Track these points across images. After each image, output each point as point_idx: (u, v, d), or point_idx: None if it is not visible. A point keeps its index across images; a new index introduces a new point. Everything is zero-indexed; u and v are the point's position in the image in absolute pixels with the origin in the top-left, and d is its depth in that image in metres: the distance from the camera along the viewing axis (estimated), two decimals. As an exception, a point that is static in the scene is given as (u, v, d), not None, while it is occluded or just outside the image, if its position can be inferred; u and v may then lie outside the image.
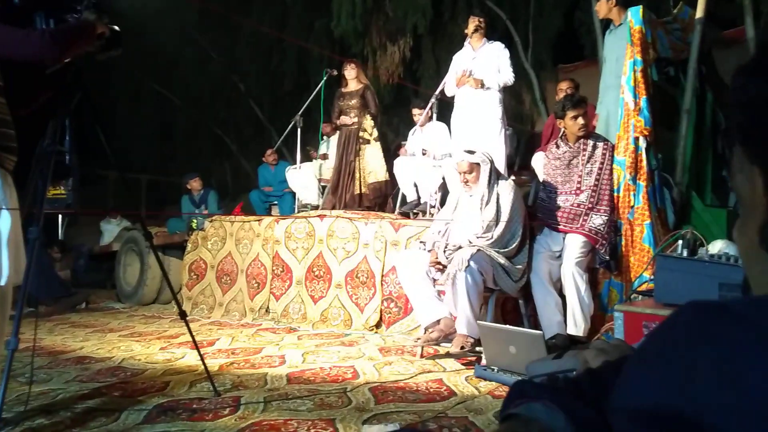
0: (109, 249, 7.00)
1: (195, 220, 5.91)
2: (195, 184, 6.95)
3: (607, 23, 4.17)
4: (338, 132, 5.67)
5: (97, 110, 2.35)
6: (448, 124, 4.76)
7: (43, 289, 5.15)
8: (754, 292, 0.46)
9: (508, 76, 4.28)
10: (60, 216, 6.92)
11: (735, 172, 0.46)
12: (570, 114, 3.40)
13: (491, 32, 4.56)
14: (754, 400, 0.33)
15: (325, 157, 6.09)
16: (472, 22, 4.37)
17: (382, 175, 5.39)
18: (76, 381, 2.75)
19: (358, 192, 5.34)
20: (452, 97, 4.55)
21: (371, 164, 5.40)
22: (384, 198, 5.48)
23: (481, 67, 4.33)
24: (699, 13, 3.83)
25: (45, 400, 2.42)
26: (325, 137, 6.27)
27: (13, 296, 2.01)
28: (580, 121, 3.40)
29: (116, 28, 2.22)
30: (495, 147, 4.21)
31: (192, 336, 2.55)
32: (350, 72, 5.41)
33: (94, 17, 2.11)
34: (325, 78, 5.77)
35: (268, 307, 4.86)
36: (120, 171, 2.61)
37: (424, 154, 4.99)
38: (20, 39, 1.87)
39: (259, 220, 5.28)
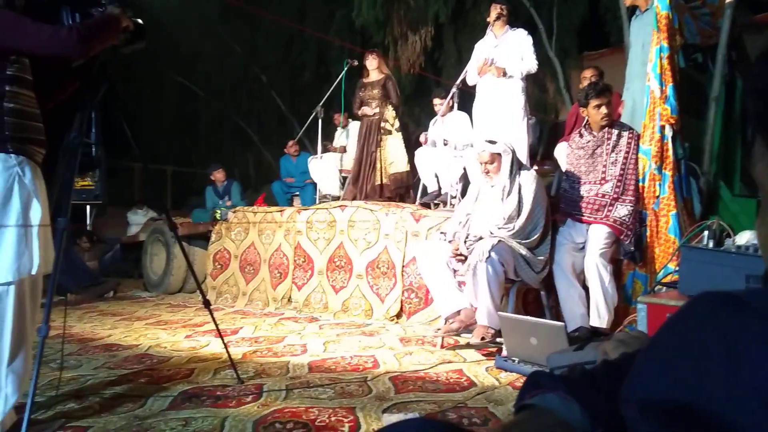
0: (135, 239, 7.14)
1: (219, 211, 5.99)
2: (219, 175, 7.04)
3: (633, 9, 4.08)
4: (358, 122, 5.68)
5: (123, 103, 2.38)
6: (470, 114, 4.72)
7: (69, 278, 5.31)
8: None
9: (531, 64, 4.21)
10: (88, 206, 7.07)
11: (756, 161, 0.45)
12: (593, 103, 3.34)
13: (514, 20, 4.48)
14: (767, 393, 0.32)
15: (343, 149, 6.11)
16: (494, 10, 4.31)
17: (403, 166, 5.39)
18: (104, 367, 2.83)
19: (378, 182, 5.34)
20: (474, 87, 4.50)
21: (392, 154, 5.39)
22: (405, 188, 5.48)
23: (503, 55, 4.27)
24: (729, -4, 3.71)
25: (75, 385, 2.49)
26: (339, 128, 6.29)
27: (42, 285, 2.06)
28: (603, 110, 3.34)
29: (140, 21, 2.25)
30: (517, 136, 4.16)
31: (216, 324, 2.60)
32: (371, 62, 5.40)
33: (118, 11, 2.14)
34: (345, 68, 5.77)
35: (290, 296, 4.92)
36: (145, 163, 2.65)
37: (445, 144, 4.97)
38: (49, 35, 1.90)
39: (281, 211, 5.33)
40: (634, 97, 3.76)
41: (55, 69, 2.16)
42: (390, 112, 5.38)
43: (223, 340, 2.60)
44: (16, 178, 1.91)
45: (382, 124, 5.34)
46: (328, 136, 6.68)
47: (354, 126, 6.10)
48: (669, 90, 3.34)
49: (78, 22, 2.05)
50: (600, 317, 3.21)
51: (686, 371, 0.37)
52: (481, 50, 4.40)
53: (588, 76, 4.61)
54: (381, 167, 5.35)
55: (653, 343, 0.41)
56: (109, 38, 2.12)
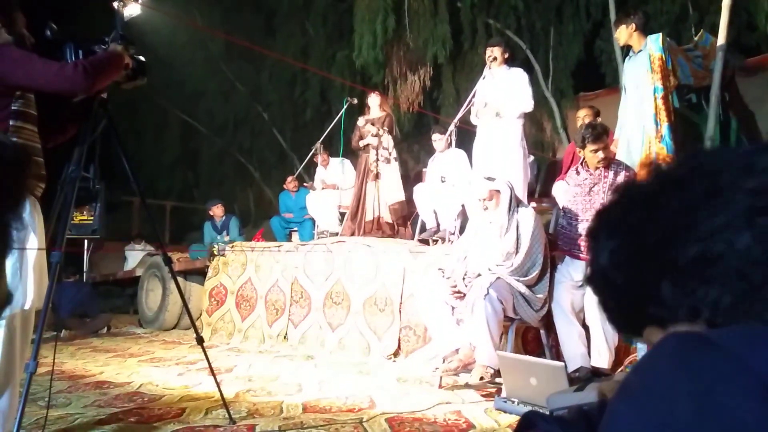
0: (132, 274, 7.10)
1: (216, 246, 5.98)
2: (217, 211, 7.06)
3: (627, 50, 4.17)
4: (338, 158, 5.84)
5: (124, 138, 2.40)
6: (467, 152, 4.76)
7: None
8: None
9: (525, 104, 4.26)
10: (85, 241, 7.06)
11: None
12: (590, 147, 3.37)
13: (511, 60, 4.54)
14: None
15: (333, 186, 6.14)
16: (489, 52, 4.39)
17: (399, 195, 5.40)
18: (94, 406, 2.76)
19: (376, 215, 5.34)
20: (474, 125, 4.56)
21: (389, 185, 5.40)
22: (403, 219, 5.46)
23: (498, 94, 4.33)
24: (720, 40, 3.80)
25: (63, 424, 2.43)
26: (321, 167, 6.32)
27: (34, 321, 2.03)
28: (600, 154, 3.36)
29: (141, 58, 2.29)
30: (515, 174, 4.18)
31: (209, 362, 2.54)
32: (374, 99, 5.53)
33: (120, 48, 2.18)
34: (345, 106, 5.86)
35: (286, 333, 4.85)
36: (142, 197, 2.65)
37: (443, 181, 4.99)
38: (55, 71, 1.94)
39: (279, 246, 5.31)
40: (628, 137, 3.79)
41: (57, 111, 2.19)
42: (389, 140, 5.43)
43: (215, 378, 2.54)
44: None
45: (380, 151, 5.38)
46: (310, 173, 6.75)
47: (335, 163, 6.17)
48: (664, 129, 3.38)
49: (83, 59, 2.09)
50: (601, 357, 3.15)
51: (656, 413, 0.37)
52: (480, 90, 4.46)
53: (582, 116, 4.67)
54: (378, 198, 5.35)
55: (624, 386, 0.41)
56: (113, 74, 2.16)
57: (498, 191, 3.33)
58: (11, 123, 1.93)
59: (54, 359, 2.30)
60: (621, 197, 0.55)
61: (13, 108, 1.94)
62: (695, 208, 0.47)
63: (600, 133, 3.38)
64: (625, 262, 0.51)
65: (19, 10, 2.07)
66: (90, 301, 6.45)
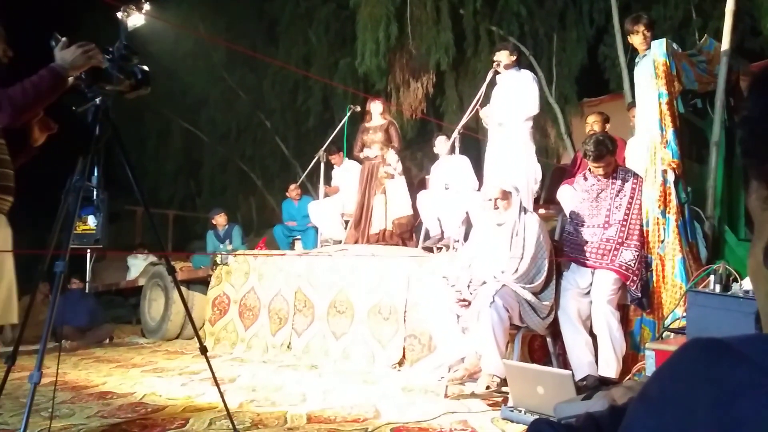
0: (135, 284, 7.08)
1: (219, 255, 5.96)
2: (220, 220, 7.05)
3: (632, 55, 4.14)
4: (354, 162, 5.76)
5: (127, 147, 2.39)
6: (471, 158, 4.74)
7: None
8: (762, 315, 0.46)
9: (530, 107, 4.23)
10: (88, 251, 7.06)
11: (751, 192, 0.46)
12: (591, 164, 3.39)
13: (519, 63, 4.49)
14: None
15: (337, 189, 6.11)
16: (496, 58, 4.38)
17: (406, 210, 5.38)
18: (97, 416, 2.74)
19: (382, 227, 5.32)
20: (477, 131, 4.55)
21: (395, 199, 5.39)
22: (409, 233, 5.45)
23: (503, 102, 4.31)
24: (725, 45, 3.78)
25: (65, 436, 2.41)
26: (336, 167, 6.32)
27: (37, 331, 2.01)
28: (601, 171, 3.37)
29: (145, 67, 2.28)
30: (519, 180, 4.15)
31: (212, 372, 2.51)
32: (375, 107, 5.50)
33: (64, 61, 1.96)
34: (348, 114, 5.86)
35: (290, 343, 4.83)
36: (147, 208, 2.64)
37: (446, 188, 4.97)
38: None
39: (282, 255, 5.29)
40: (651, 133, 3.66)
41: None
42: (392, 156, 5.41)
43: (219, 388, 2.51)
44: None
45: (385, 168, 5.38)
46: (329, 180, 6.73)
47: (352, 166, 6.14)
48: (669, 135, 3.36)
49: (10, 88, 1.87)
50: (608, 365, 3.12)
51: (676, 421, 0.36)
52: (492, 96, 4.43)
53: (592, 122, 4.65)
54: (384, 211, 5.34)
55: (643, 393, 0.40)
56: (48, 98, 1.95)
57: (510, 192, 3.31)
58: None
59: (57, 370, 2.28)
60: None
61: None
62: None
63: (602, 154, 3.31)
64: None
65: None
66: (94, 310, 6.41)
